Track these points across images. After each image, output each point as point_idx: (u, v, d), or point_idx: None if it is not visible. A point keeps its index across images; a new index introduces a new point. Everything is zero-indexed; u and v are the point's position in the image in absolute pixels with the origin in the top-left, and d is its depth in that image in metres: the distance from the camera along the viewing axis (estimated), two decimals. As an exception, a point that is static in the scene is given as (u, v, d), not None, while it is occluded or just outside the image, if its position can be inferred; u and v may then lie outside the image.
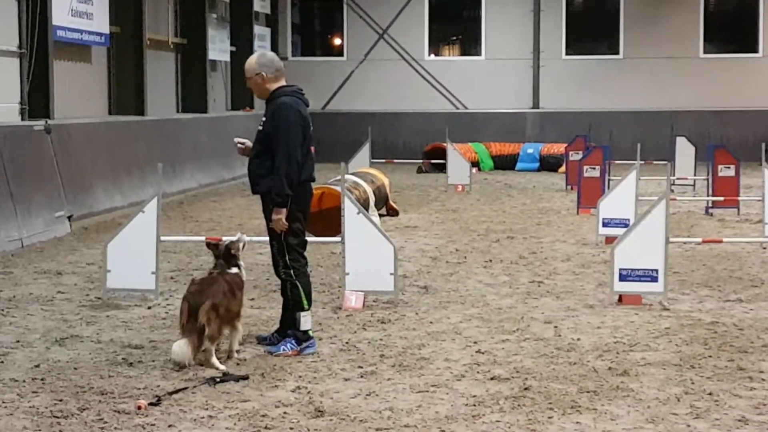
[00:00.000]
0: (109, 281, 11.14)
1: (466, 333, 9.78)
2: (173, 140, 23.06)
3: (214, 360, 8.45)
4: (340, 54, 33.50)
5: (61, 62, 19.84)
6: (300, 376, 8.26)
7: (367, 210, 15.95)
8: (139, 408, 7.32)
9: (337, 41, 33.87)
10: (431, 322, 10.23)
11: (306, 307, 9.08)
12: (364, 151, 24.55)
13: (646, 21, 32.28)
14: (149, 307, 10.89)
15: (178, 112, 26.12)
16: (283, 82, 9.21)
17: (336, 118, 32.31)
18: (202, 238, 13.40)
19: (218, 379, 8.06)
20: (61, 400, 7.55)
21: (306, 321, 9.07)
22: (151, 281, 11.16)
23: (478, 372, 8.39)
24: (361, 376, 8.28)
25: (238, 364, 8.61)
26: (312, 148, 9.24)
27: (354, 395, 7.75)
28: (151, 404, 7.40)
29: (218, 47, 27.71)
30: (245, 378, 8.15)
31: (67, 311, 10.74)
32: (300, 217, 9.09)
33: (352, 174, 18.31)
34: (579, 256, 14.33)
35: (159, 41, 24.59)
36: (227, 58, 28.68)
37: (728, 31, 32.91)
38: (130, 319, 10.37)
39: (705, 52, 32.39)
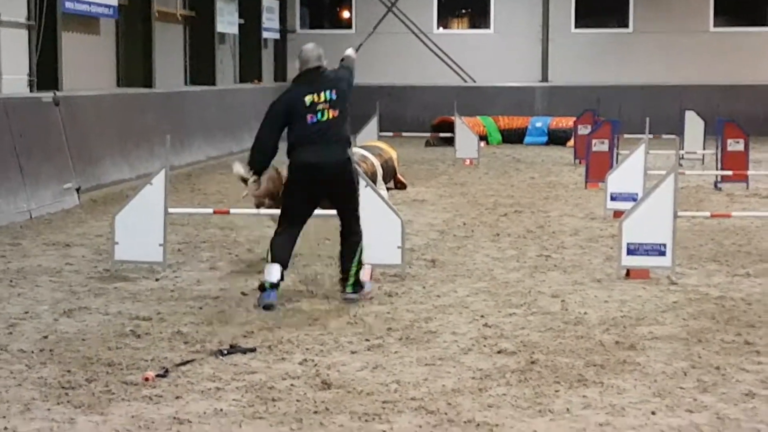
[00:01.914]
0: (116, 253, 11.15)
1: (473, 306, 9.78)
2: (181, 112, 23.05)
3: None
4: (349, 27, 33.41)
5: (69, 34, 19.81)
6: (307, 349, 8.28)
7: (374, 183, 15.93)
8: (147, 379, 7.34)
9: (345, 14, 33.78)
10: (438, 296, 10.23)
11: (268, 260, 9.74)
12: (372, 125, 24.50)
13: (656, -6, 32.15)
14: (157, 279, 10.91)
15: (186, 84, 26.10)
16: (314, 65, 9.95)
17: (344, 91, 32.21)
18: (210, 211, 13.47)
19: (226, 351, 8.08)
20: (68, 371, 7.57)
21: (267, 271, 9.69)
22: (158, 253, 11.17)
23: (484, 345, 8.39)
24: (368, 349, 8.29)
25: (245, 336, 8.63)
26: (310, 117, 9.77)
27: (361, 368, 7.76)
28: (158, 376, 7.42)
29: (227, 20, 27.65)
30: (253, 350, 8.17)
31: (75, 283, 10.77)
32: (289, 188, 9.98)
33: (360, 147, 18.28)
34: (587, 230, 14.32)
35: (167, 13, 24.53)
36: (236, 30, 28.62)
37: (739, 5, 32.74)
38: (137, 291, 10.38)
39: (715, 25, 32.26)
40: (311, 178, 9.77)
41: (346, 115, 9.90)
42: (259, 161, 9.97)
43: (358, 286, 9.96)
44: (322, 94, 9.75)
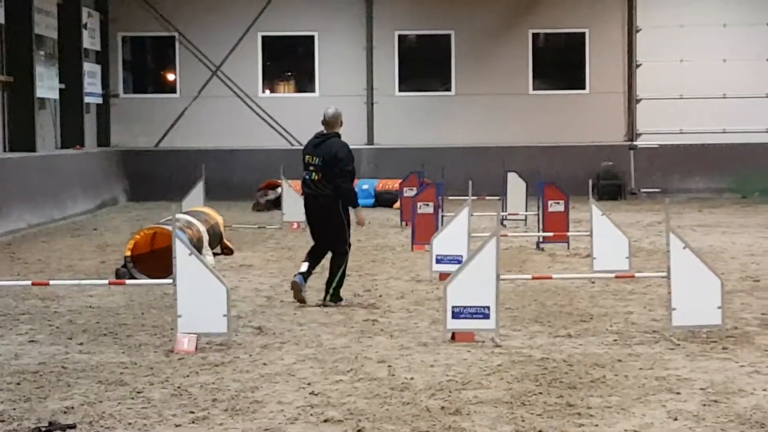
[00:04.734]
0: (-70, 328, 10.75)
1: (300, 374, 9.71)
2: (0, 180, 22.47)
3: None
4: (173, 91, 33.20)
5: None
6: (130, 423, 8.08)
7: (200, 250, 15.77)
8: (-40, 462, 7.07)
9: (170, 77, 33.56)
10: (265, 364, 10.14)
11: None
12: (198, 189, 24.25)
13: (477, 58, 32.83)
14: (-27, 355, 10.55)
15: (5, 151, 25.47)
16: (325, 131, 13.71)
17: (169, 156, 31.99)
18: (29, 282, 13.07)
19: (44, 429, 7.83)
20: None
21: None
22: (-26, 327, 10.81)
23: (311, 414, 8.33)
24: (193, 422, 8.14)
25: (65, 412, 8.38)
26: (306, 173, 13.38)
27: (185, 442, 7.61)
28: (-28, 458, 7.16)
29: (47, 84, 27.16)
30: (72, 427, 7.94)
31: None
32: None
33: (186, 213, 18.10)
34: (413, 294, 14.41)
35: (-16, 79, 23.97)
36: (56, 95, 28.13)
37: (556, 69, 33.69)
38: (-48, 367, 10.01)
39: (534, 88, 33.10)
40: (308, 214, 13.52)
41: (331, 177, 13.13)
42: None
43: (337, 298, 13.33)
44: (315, 158, 13.23)
